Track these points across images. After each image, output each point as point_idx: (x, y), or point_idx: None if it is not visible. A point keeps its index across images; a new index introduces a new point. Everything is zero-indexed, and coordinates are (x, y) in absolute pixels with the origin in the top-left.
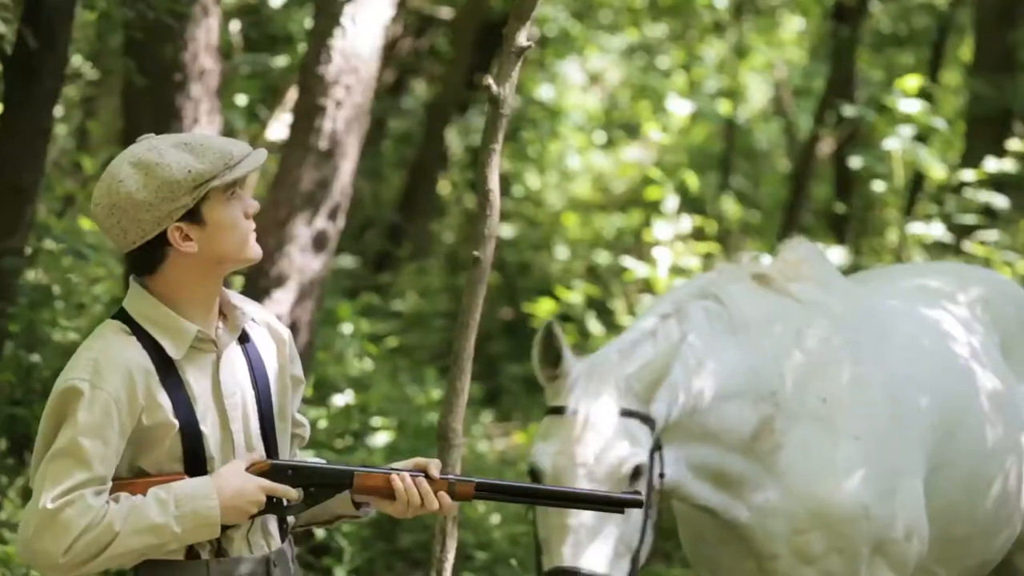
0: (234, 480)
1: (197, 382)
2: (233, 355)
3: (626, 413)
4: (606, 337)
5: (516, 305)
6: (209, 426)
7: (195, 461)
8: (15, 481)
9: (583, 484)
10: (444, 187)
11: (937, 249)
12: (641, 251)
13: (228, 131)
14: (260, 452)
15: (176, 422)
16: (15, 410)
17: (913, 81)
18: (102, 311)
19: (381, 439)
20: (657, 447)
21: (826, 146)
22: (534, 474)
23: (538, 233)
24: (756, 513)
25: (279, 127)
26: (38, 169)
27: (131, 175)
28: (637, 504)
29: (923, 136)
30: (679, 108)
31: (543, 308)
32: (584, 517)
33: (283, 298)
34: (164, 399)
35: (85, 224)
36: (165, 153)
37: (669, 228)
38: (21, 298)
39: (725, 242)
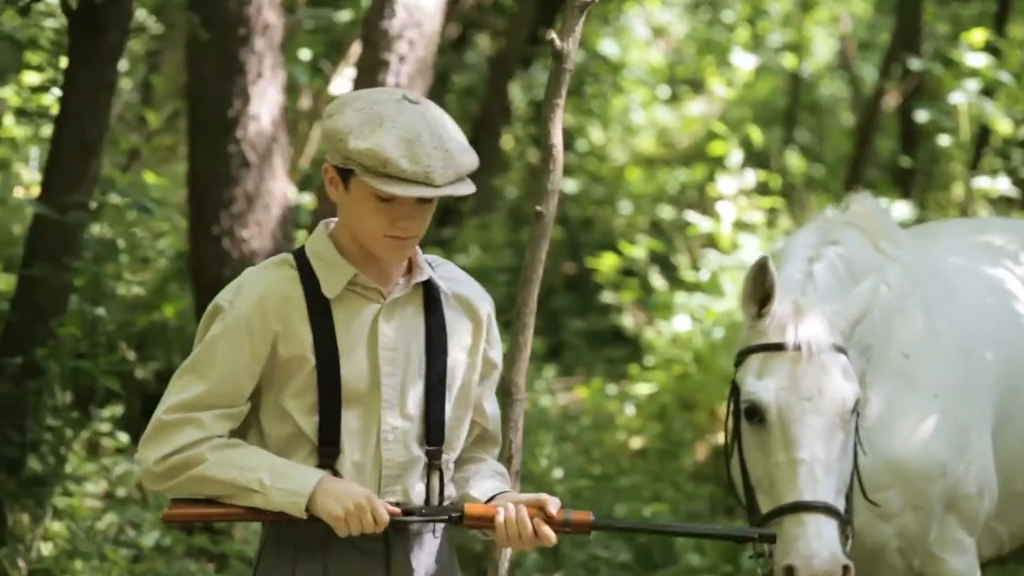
0: (349, 483)
1: (348, 326)
2: (407, 315)
3: (839, 349)
4: (669, 292)
5: (579, 260)
6: (353, 373)
7: (330, 402)
8: (80, 434)
9: (809, 419)
10: (507, 142)
11: (1003, 204)
12: (705, 206)
13: (291, 86)
14: (415, 415)
15: (312, 358)
16: (79, 363)
17: (979, 34)
18: (166, 265)
19: None
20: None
21: (891, 100)
22: (753, 411)
23: (601, 188)
24: None
25: (342, 82)
26: (102, 123)
27: (344, 100)
28: (770, 539)
29: (989, 90)
30: (743, 62)
31: (606, 263)
32: (815, 451)
33: None
34: (305, 332)
35: (150, 178)
36: (360, 107)
37: (733, 183)
38: (86, 252)
39: (789, 197)
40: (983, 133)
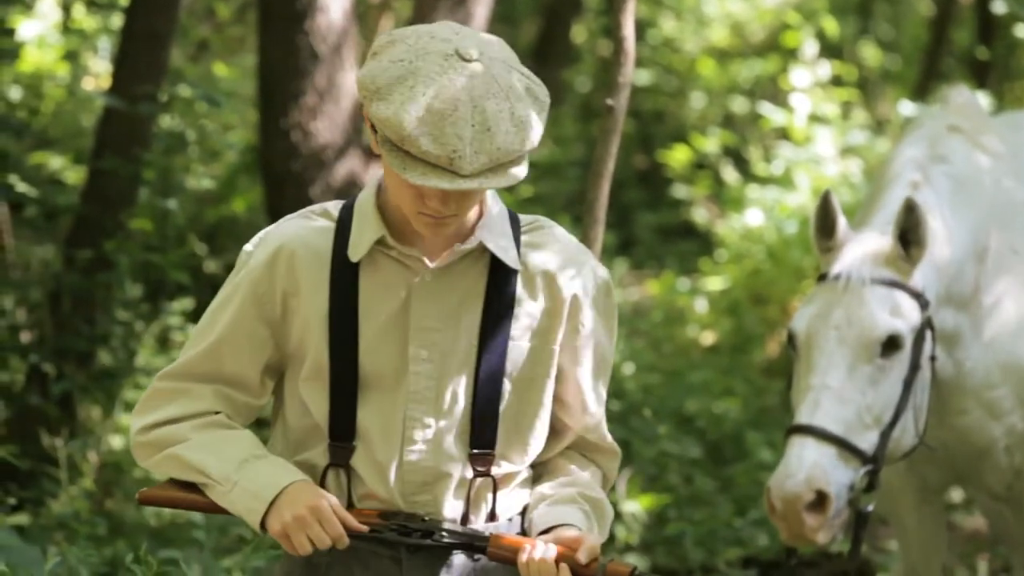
0: (308, 488)
1: (377, 298)
2: (461, 289)
3: (892, 283)
4: (742, 186)
5: (651, 153)
6: (374, 353)
7: (342, 387)
8: (150, 327)
9: (830, 347)
10: (579, 34)
11: None
12: (778, 98)
13: None
14: (458, 413)
15: (325, 330)
16: (150, 256)
17: None
18: (235, 158)
19: None
20: (928, 326)
21: None
22: (790, 337)
23: (674, 80)
24: (957, 369)
25: None
26: (172, 14)
27: (383, 39)
28: None
29: None
30: None
31: (678, 156)
32: (827, 379)
33: None
34: (322, 298)
35: (219, 70)
36: (398, 56)
37: (807, 74)
38: (156, 144)
39: (864, 89)
40: None
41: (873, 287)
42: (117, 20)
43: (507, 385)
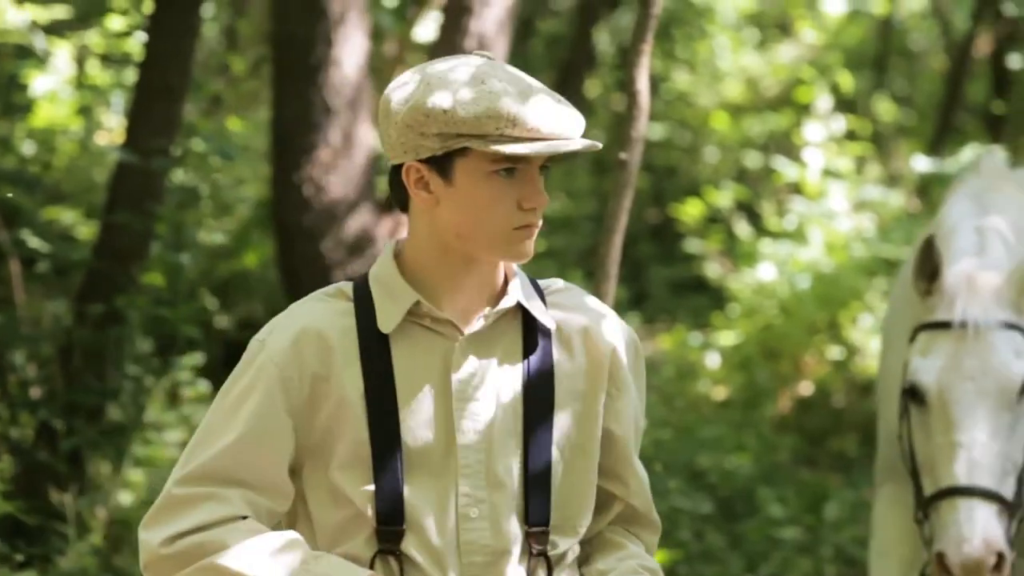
0: None
1: (413, 370)
2: (497, 354)
3: (1011, 326)
4: (754, 241)
5: (664, 207)
6: (417, 428)
7: (387, 467)
8: (160, 383)
9: (970, 400)
10: (593, 88)
11: None
12: (792, 153)
13: (375, 31)
14: (510, 485)
15: (363, 410)
16: (161, 310)
17: None
18: (248, 212)
19: None
20: None
21: (983, 45)
22: (915, 391)
23: (687, 134)
24: None
25: (427, 27)
26: (186, 69)
27: (410, 82)
28: None
29: None
30: (833, 6)
31: (691, 211)
32: (975, 433)
33: None
34: (354, 376)
35: (233, 125)
36: (449, 76)
37: (821, 129)
38: (168, 199)
39: (878, 143)
40: None
41: (999, 332)
42: (131, 75)
43: (555, 454)
